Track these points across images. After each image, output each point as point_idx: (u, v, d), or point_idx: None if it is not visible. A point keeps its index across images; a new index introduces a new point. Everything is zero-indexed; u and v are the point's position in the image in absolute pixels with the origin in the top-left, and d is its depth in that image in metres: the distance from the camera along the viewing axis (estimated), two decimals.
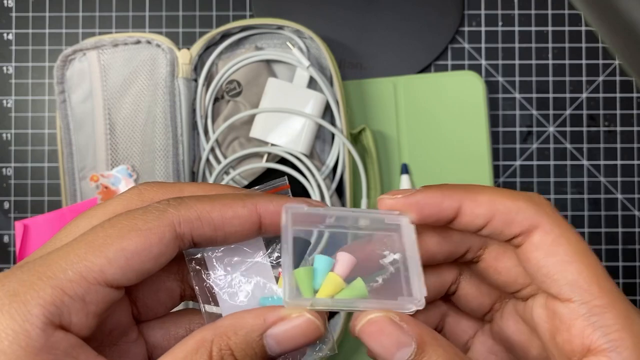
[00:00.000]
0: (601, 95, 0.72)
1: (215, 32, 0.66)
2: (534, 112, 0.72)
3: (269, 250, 0.34)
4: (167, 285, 0.35)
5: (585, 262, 0.31)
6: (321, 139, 0.67)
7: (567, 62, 0.72)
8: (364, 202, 0.66)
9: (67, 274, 0.28)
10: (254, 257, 0.33)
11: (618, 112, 0.72)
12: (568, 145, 0.71)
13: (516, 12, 0.72)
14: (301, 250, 0.32)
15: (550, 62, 0.72)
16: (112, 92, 0.66)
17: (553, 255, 0.31)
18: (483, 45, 0.72)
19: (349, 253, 0.32)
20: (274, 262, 0.33)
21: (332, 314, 0.65)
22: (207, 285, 0.33)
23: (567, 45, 0.72)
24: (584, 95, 0.72)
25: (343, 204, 0.67)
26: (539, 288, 0.33)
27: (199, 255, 0.33)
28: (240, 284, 0.33)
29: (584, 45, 0.72)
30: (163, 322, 0.35)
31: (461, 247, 0.35)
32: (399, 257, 0.33)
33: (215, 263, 0.33)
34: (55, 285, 0.28)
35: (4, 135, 0.71)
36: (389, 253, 0.33)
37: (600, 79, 0.72)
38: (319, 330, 0.30)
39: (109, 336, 0.32)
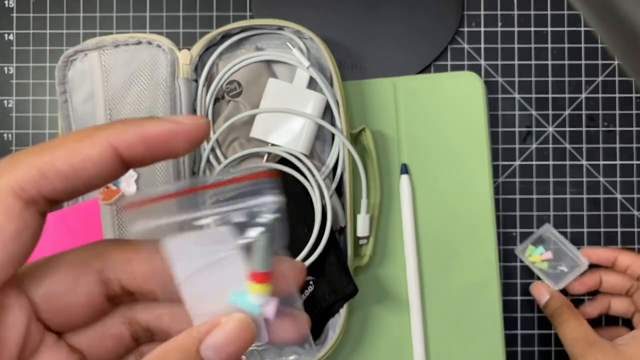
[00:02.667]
0: (600, 95, 0.72)
1: (215, 32, 0.67)
2: (534, 112, 0.72)
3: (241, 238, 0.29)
4: (112, 331, 0.31)
5: None
6: (321, 139, 0.67)
7: (566, 62, 0.72)
8: (363, 202, 0.67)
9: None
10: (222, 247, 0.29)
11: (617, 112, 0.72)
12: (567, 146, 0.72)
13: (515, 12, 0.72)
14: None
15: (550, 62, 0.72)
16: (113, 93, 0.66)
17: None
18: (482, 46, 0.72)
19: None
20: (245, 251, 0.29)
21: (332, 314, 0.65)
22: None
23: (566, 45, 0.72)
24: (583, 95, 0.72)
25: (343, 204, 0.67)
26: None
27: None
28: (207, 279, 0.29)
29: (583, 45, 0.72)
30: (90, 326, 0.31)
31: None
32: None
33: (177, 253, 0.29)
34: None
35: (5, 135, 0.71)
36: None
37: (600, 79, 0.72)
38: (252, 329, 0.29)
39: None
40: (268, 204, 0.28)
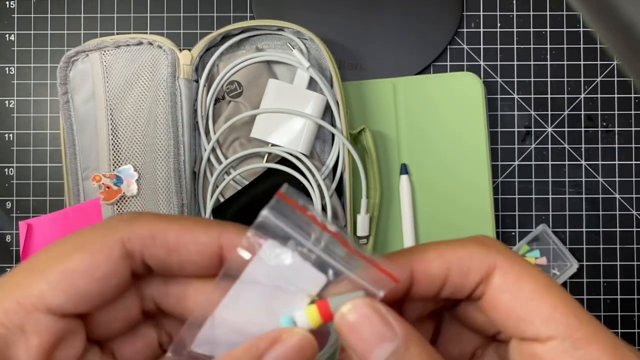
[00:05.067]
0: (599, 95, 0.72)
1: (216, 33, 0.67)
2: (533, 112, 0.72)
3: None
4: (144, 334, 0.31)
5: (556, 295, 0.28)
6: (321, 139, 0.67)
7: (565, 62, 0.72)
8: (363, 202, 0.67)
9: (1, 303, 0.25)
10: (303, 284, 0.28)
11: (616, 112, 0.72)
12: (566, 146, 0.72)
13: (515, 13, 0.72)
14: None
15: (549, 62, 0.72)
16: (114, 93, 0.67)
17: (520, 295, 0.28)
18: (482, 46, 0.72)
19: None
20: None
21: None
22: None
23: (565, 46, 0.72)
24: (582, 95, 0.72)
25: (343, 204, 0.67)
26: (512, 335, 0.29)
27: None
28: (266, 295, 0.28)
29: (582, 46, 0.72)
30: (128, 334, 0.31)
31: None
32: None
33: (264, 256, 0.28)
34: None
35: (7, 135, 0.72)
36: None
37: (599, 79, 0.72)
38: (314, 346, 0.27)
39: None
40: (376, 294, 0.28)
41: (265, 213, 0.27)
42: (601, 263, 0.71)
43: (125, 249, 0.27)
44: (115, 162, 0.66)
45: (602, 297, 0.71)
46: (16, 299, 0.25)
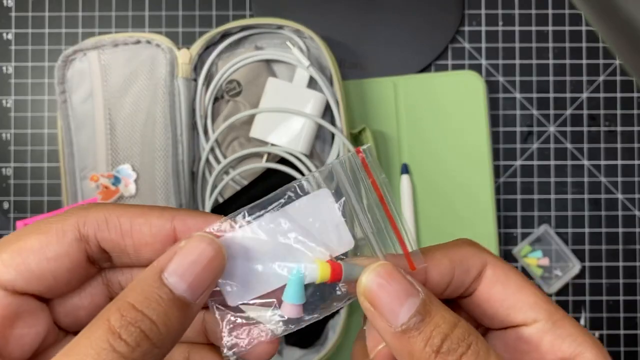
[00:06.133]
0: (602, 95, 0.72)
1: (215, 31, 0.66)
2: (535, 111, 0.71)
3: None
4: (90, 291, 0.32)
5: (534, 287, 0.32)
6: (321, 139, 0.67)
7: (567, 61, 0.72)
8: (363, 202, 0.66)
9: None
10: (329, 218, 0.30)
11: (618, 112, 0.71)
12: (568, 145, 0.71)
13: (516, 11, 0.72)
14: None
15: (551, 61, 0.72)
16: (112, 92, 0.66)
17: (510, 286, 0.32)
18: (483, 45, 0.72)
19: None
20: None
21: (332, 315, 0.65)
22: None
23: (567, 45, 0.72)
24: (585, 95, 0.72)
25: None
26: (501, 324, 0.33)
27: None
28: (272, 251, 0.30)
29: (584, 45, 0.72)
30: None
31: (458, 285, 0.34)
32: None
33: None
34: None
35: (4, 135, 0.71)
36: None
37: (601, 78, 0.72)
38: (217, 249, 0.28)
39: (36, 352, 0.29)
40: None
41: (335, 162, 0.29)
42: (603, 264, 0.71)
43: (79, 232, 0.28)
44: (113, 161, 0.66)
45: (604, 298, 0.71)
46: None
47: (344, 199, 0.30)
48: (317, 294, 0.30)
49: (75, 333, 0.30)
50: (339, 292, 0.30)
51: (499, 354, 0.29)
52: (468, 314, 0.34)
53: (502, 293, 0.32)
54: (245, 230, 0.30)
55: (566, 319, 0.31)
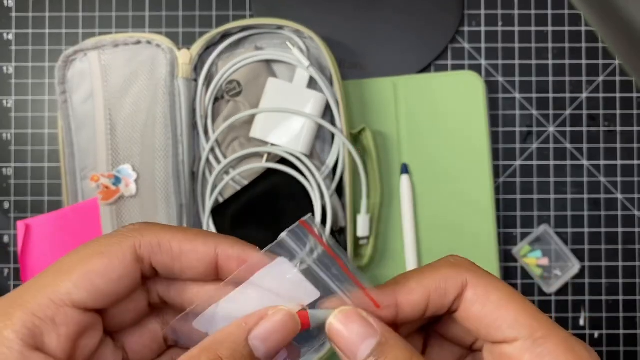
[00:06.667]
0: (601, 95, 0.72)
1: (215, 32, 0.66)
2: (534, 112, 0.72)
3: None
4: (149, 327, 0.36)
5: (519, 302, 0.33)
6: (321, 139, 0.67)
7: (567, 62, 0.72)
8: (363, 202, 0.67)
9: (36, 299, 0.30)
10: (300, 297, 0.33)
11: (618, 112, 0.72)
12: (568, 145, 0.71)
13: (516, 12, 0.72)
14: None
15: (550, 62, 0.72)
16: (112, 93, 0.66)
17: (489, 304, 0.33)
18: (483, 45, 0.72)
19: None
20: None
21: None
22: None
23: (567, 45, 0.72)
24: (584, 95, 0.72)
25: (343, 204, 0.67)
26: (485, 340, 0.34)
27: None
28: (265, 298, 0.33)
29: (583, 45, 0.72)
30: (137, 327, 0.36)
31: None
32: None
33: (274, 267, 0.33)
34: (27, 310, 0.30)
35: (4, 135, 0.71)
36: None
37: (600, 79, 0.72)
38: (297, 321, 0.32)
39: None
40: None
41: (283, 235, 0.33)
42: (603, 264, 0.71)
43: (136, 254, 0.32)
44: (113, 162, 0.66)
45: (603, 297, 0.71)
46: (48, 296, 0.30)
47: (299, 260, 0.33)
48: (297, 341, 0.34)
49: (111, 334, 0.34)
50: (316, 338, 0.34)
51: None
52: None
53: (480, 312, 0.33)
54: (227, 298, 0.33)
55: (550, 336, 0.32)
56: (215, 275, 0.34)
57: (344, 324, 0.32)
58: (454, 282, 0.34)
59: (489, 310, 0.33)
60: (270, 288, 0.32)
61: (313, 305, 0.33)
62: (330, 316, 0.32)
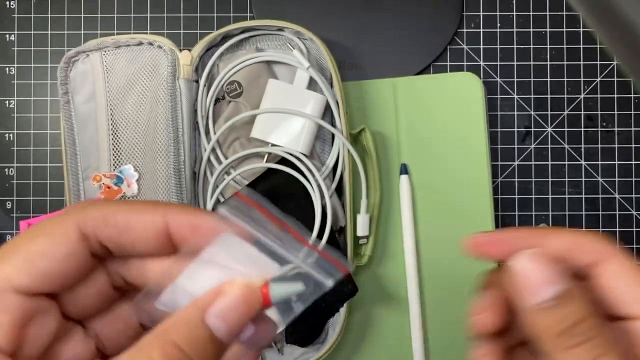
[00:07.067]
0: (599, 95, 0.72)
1: (216, 33, 0.67)
2: (532, 112, 0.72)
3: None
4: (120, 312, 0.34)
5: None
6: (321, 139, 0.67)
7: (565, 63, 0.72)
8: (363, 202, 0.67)
9: None
10: (257, 270, 0.31)
11: (616, 112, 0.72)
12: (566, 146, 0.72)
13: (514, 13, 0.72)
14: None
15: (549, 63, 0.72)
16: (114, 93, 0.67)
17: (623, 278, 0.33)
18: (482, 47, 0.72)
19: None
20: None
21: (332, 314, 0.66)
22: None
23: (565, 46, 0.72)
24: (582, 95, 0.72)
25: (343, 204, 0.67)
26: (613, 313, 0.34)
27: None
28: (218, 273, 0.31)
29: (582, 46, 0.72)
30: (108, 313, 0.34)
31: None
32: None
33: (223, 242, 0.31)
34: None
35: (7, 135, 0.72)
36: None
37: (598, 79, 0.72)
38: (257, 294, 0.29)
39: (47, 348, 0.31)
40: (320, 280, 0.31)
41: (223, 211, 0.31)
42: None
43: (80, 232, 0.30)
44: (115, 162, 0.66)
45: None
46: None
47: (249, 233, 0.31)
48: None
49: (81, 322, 0.33)
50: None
51: (620, 354, 0.31)
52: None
53: (612, 284, 0.33)
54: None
55: None
56: (171, 247, 0.32)
57: (535, 263, 0.31)
58: (591, 247, 0.34)
59: (622, 284, 0.33)
60: (226, 263, 0.30)
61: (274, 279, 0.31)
62: (520, 255, 0.32)
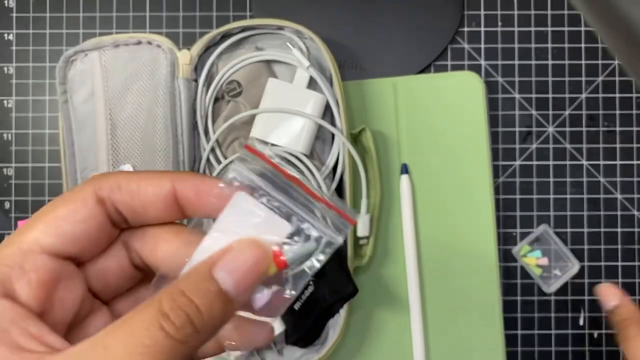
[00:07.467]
0: (600, 95, 0.72)
1: (215, 32, 0.67)
2: (534, 112, 0.72)
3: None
4: (142, 295, 0.35)
5: None
6: (321, 139, 0.67)
7: (566, 62, 0.72)
8: (363, 202, 0.67)
9: (5, 251, 0.30)
10: (272, 233, 0.31)
11: (617, 112, 0.72)
12: (567, 146, 0.72)
13: (515, 12, 0.72)
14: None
15: (550, 62, 0.72)
16: (113, 93, 0.66)
17: None
18: (483, 46, 0.72)
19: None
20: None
21: (332, 314, 0.65)
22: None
23: (566, 45, 0.72)
24: (584, 95, 0.72)
25: None
26: None
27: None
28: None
29: (583, 45, 0.72)
30: (131, 295, 0.36)
31: None
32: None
33: (236, 207, 0.32)
34: None
35: (5, 135, 0.71)
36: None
37: (600, 79, 0.72)
38: (266, 254, 0.30)
39: (75, 318, 0.32)
40: (332, 238, 0.31)
41: (234, 166, 0.32)
42: (602, 263, 0.71)
43: (97, 196, 0.32)
44: (114, 162, 0.66)
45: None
46: (16, 245, 0.30)
47: (259, 191, 0.32)
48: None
49: (106, 303, 0.34)
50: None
51: None
52: None
53: None
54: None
55: None
56: (180, 211, 0.33)
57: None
58: None
59: None
60: (240, 229, 0.31)
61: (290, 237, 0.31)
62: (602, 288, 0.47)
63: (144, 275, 0.35)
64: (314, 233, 0.31)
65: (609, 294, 0.62)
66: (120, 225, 0.34)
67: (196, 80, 0.67)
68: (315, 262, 0.31)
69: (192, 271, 0.30)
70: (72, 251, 0.32)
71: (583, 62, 0.72)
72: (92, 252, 0.33)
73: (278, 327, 0.65)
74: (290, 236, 0.31)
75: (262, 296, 0.31)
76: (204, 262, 0.30)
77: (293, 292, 0.32)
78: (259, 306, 0.31)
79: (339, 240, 0.31)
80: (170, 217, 0.33)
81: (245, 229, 0.31)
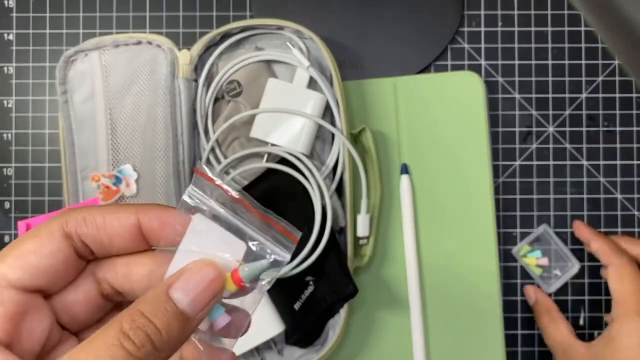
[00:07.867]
0: (601, 95, 0.72)
1: (215, 32, 0.67)
2: (534, 112, 0.72)
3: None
4: (83, 287, 0.36)
5: None
6: (321, 139, 0.67)
7: (566, 62, 0.72)
8: (363, 202, 0.67)
9: None
10: (229, 251, 0.33)
11: (617, 112, 0.72)
12: (567, 145, 0.72)
13: (516, 12, 0.72)
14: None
15: (550, 62, 0.72)
16: (113, 93, 0.66)
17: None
18: (483, 46, 0.72)
19: None
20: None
21: (332, 314, 0.65)
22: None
23: (566, 45, 0.72)
24: (584, 95, 0.72)
25: (343, 205, 0.67)
26: None
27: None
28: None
29: (583, 45, 0.72)
30: (101, 325, 0.37)
31: None
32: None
33: (196, 228, 0.33)
34: None
35: (5, 135, 0.71)
36: None
37: (600, 79, 0.72)
38: (221, 274, 0.32)
39: (44, 349, 0.33)
40: (281, 256, 0.33)
41: (190, 191, 0.33)
42: (602, 263, 0.71)
43: (63, 231, 0.33)
44: (114, 161, 0.66)
45: (603, 297, 0.71)
46: None
47: (213, 213, 0.33)
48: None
49: (76, 333, 0.35)
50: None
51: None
52: None
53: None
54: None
55: None
56: (145, 242, 0.35)
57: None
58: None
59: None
60: (202, 248, 0.33)
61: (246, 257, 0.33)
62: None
63: (114, 306, 0.37)
64: (265, 251, 0.33)
65: (529, 293, 0.70)
66: (87, 257, 0.35)
67: (196, 80, 0.67)
68: (267, 279, 0.33)
69: (150, 292, 0.31)
70: (40, 284, 0.33)
71: (583, 62, 0.72)
72: (60, 284, 0.34)
73: (278, 327, 0.65)
74: (245, 255, 0.33)
75: (221, 318, 0.32)
76: (162, 283, 0.31)
77: (249, 312, 0.33)
78: (219, 328, 0.33)
79: (287, 257, 0.33)
80: (135, 247, 0.35)
81: (205, 249, 0.33)
